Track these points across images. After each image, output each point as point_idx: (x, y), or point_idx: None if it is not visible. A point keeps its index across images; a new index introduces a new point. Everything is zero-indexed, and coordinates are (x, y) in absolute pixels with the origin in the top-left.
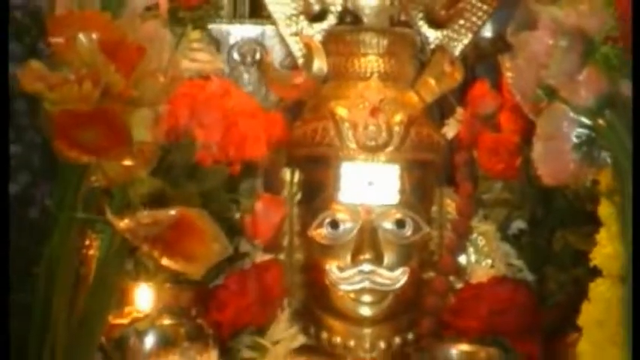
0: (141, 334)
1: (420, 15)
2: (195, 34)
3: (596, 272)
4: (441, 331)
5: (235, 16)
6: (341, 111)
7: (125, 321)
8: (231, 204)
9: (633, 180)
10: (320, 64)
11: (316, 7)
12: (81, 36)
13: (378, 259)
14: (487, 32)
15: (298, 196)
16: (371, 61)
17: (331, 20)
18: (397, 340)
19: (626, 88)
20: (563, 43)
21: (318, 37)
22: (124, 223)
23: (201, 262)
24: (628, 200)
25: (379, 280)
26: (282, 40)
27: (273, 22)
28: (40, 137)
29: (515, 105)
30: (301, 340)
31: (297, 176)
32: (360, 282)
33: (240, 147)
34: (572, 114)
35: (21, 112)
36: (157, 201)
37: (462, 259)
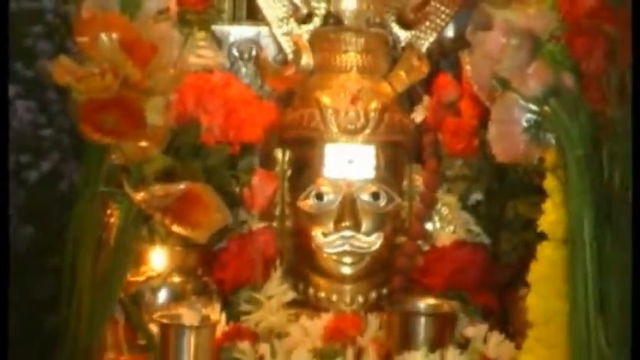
0: (154, 290)
1: (392, 18)
2: (200, 34)
3: (542, 236)
4: (410, 287)
5: (234, 19)
6: (325, 99)
7: (141, 279)
8: (231, 179)
9: (633, 180)
10: (307, 60)
11: (304, 11)
12: (103, 35)
13: (356, 226)
14: (449, 32)
15: (288, 172)
16: (350, 56)
17: (317, 22)
18: (373, 294)
19: (568, 79)
20: (514, 41)
21: (306, 37)
22: (139, 196)
23: (205, 228)
24: (570, 174)
25: (358, 244)
26: (275, 39)
27: (267, 24)
28: (68, 122)
29: (473, 94)
30: (291, 295)
31: (287, 155)
32: (341, 245)
33: (238, 130)
34: (521, 102)
35: (52, 100)
36: (168, 176)
37: (429, 226)
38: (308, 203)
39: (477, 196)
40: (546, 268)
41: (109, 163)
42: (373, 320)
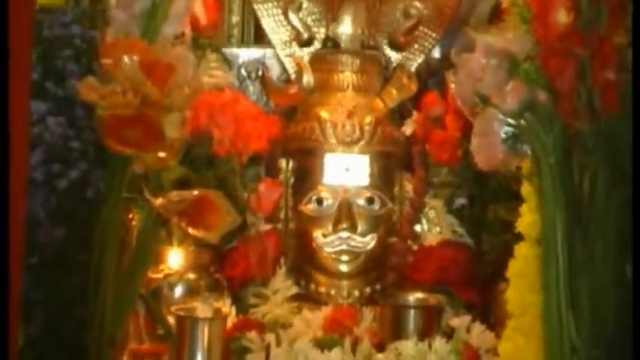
0: (172, 286)
1: (385, 41)
2: (212, 56)
3: (519, 237)
4: (401, 282)
5: (243, 42)
6: (324, 114)
7: (160, 276)
8: (240, 186)
9: (633, 179)
10: (308, 79)
11: (305, 35)
12: (125, 58)
13: (353, 228)
14: (436, 54)
15: (291, 180)
16: (347, 76)
17: (316, 45)
18: (368, 289)
19: (542, 96)
20: (493, 62)
21: (307, 58)
22: (158, 201)
23: (217, 230)
24: (544, 181)
25: (354, 243)
26: (279, 60)
27: (272, 47)
28: (94, 135)
29: (457, 109)
30: (294, 290)
31: (290, 164)
32: (339, 245)
33: (246, 142)
34: (500, 116)
35: (80, 116)
36: (183, 184)
37: (418, 228)
38: (309, 207)
39: (460, 201)
40: (523, 266)
41: (130, 172)
42: (368, 313)
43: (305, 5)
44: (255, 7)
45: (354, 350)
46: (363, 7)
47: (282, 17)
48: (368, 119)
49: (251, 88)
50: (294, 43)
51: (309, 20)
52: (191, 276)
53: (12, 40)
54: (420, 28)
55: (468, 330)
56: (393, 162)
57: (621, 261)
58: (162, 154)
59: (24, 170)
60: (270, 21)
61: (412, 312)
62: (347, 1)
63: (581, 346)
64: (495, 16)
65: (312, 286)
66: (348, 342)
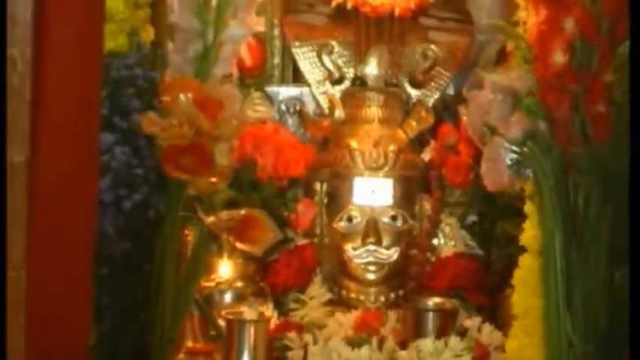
0: (222, 293)
1: (405, 79)
2: (256, 94)
3: (523, 249)
4: (421, 289)
5: (283, 81)
6: (353, 144)
7: (212, 284)
8: (281, 206)
9: (630, 181)
10: (339, 113)
11: (336, 75)
12: (181, 95)
13: (378, 242)
14: (450, 90)
15: (325, 200)
16: (373, 110)
17: (347, 83)
18: (392, 295)
19: (542, 126)
20: (499, 97)
21: (338, 95)
22: (210, 219)
23: (261, 244)
24: (544, 200)
25: (379, 255)
26: (314, 97)
27: (308, 85)
28: (155, 162)
29: (469, 138)
30: (328, 295)
31: (324, 187)
32: (367, 257)
33: (286, 168)
34: (506, 144)
35: (142, 146)
36: (232, 204)
37: (435, 241)
38: (341, 224)
39: (472, 218)
40: (526, 274)
41: (186, 195)
42: (392, 315)
43: (336, 49)
44: (294, 50)
45: (380, 348)
46: (387, 51)
47: (316, 59)
48: (391, 147)
49: (290, 121)
50: (327, 82)
51: (339, 62)
52: (239, 284)
53: (85, 80)
54: (436, 68)
55: (479, 330)
56: (413, 184)
57: (611, 268)
58: (213, 179)
59: (94, 193)
60: (306, 63)
61: (430, 314)
62: (373, 46)
63: (577, 342)
64: (501, 58)
65: (344, 293)
66: (375, 341)
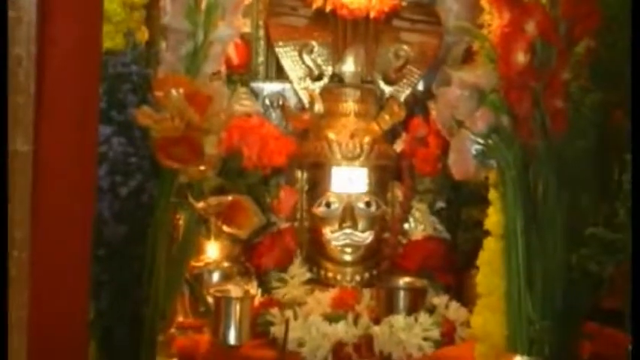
0: (210, 272)
1: (379, 76)
2: (242, 89)
3: (487, 233)
4: (393, 269)
5: (267, 78)
6: (331, 135)
7: (201, 264)
8: (265, 192)
9: (632, 176)
10: (319, 107)
11: (316, 72)
12: (173, 91)
13: (354, 226)
14: (420, 87)
15: (306, 188)
16: (349, 105)
17: (325, 80)
18: (366, 275)
19: (505, 120)
20: (466, 93)
21: (318, 91)
22: (199, 205)
23: (246, 228)
24: (506, 188)
25: (355, 238)
26: (296, 92)
27: (290, 82)
28: (148, 152)
29: (437, 131)
30: (308, 275)
31: (304, 175)
32: (343, 240)
33: (269, 158)
34: (472, 136)
35: (137, 137)
36: (220, 191)
37: (406, 226)
38: (320, 210)
39: (440, 204)
40: (490, 256)
41: (178, 182)
42: (367, 293)
43: (316, 49)
44: (277, 50)
45: (355, 323)
46: (363, 50)
47: (298, 58)
48: (366, 139)
49: (273, 115)
50: (307, 79)
51: (319, 60)
52: (226, 264)
53: (84, 76)
54: (408, 66)
55: (447, 307)
56: (386, 173)
57: (568, 250)
58: (202, 168)
59: (93, 180)
60: (289, 61)
61: (402, 293)
62: (349, 46)
63: (536, 318)
64: (467, 57)
65: (322, 272)
66: (350, 317)
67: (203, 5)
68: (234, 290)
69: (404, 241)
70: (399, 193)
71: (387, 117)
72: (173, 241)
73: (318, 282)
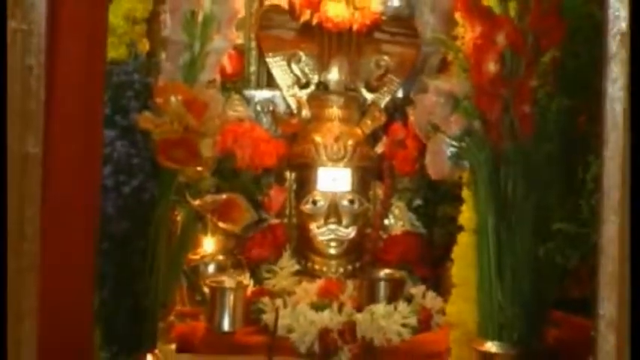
0: (206, 264)
1: (362, 84)
2: (236, 96)
3: (461, 228)
4: (374, 262)
5: (258, 86)
6: (317, 138)
7: (198, 257)
8: (257, 191)
9: (631, 178)
10: (306, 113)
11: (304, 81)
12: (172, 97)
13: (339, 222)
14: (400, 94)
15: (294, 187)
16: (334, 111)
17: (312, 88)
18: (350, 267)
19: (477, 125)
20: (441, 100)
21: (305, 97)
22: (196, 202)
23: (239, 224)
24: (478, 187)
25: (340, 233)
26: (285, 99)
27: (280, 89)
28: (149, 154)
29: (415, 134)
30: (296, 267)
31: (293, 175)
32: (328, 235)
33: (261, 159)
34: (447, 139)
35: (139, 140)
36: (215, 190)
37: (386, 222)
38: (307, 207)
39: (418, 202)
40: (463, 249)
41: (176, 181)
42: (350, 284)
43: (303, 59)
44: (267, 60)
45: (340, 311)
46: (346, 60)
47: (286, 67)
48: (350, 142)
49: (264, 120)
50: (295, 87)
51: (306, 69)
52: (220, 257)
53: (90, 84)
54: (388, 75)
55: (423, 296)
56: (368, 173)
57: (535, 244)
58: (199, 168)
59: (98, 179)
60: (278, 70)
61: (382, 283)
62: (334, 56)
63: (506, 306)
64: (443, 67)
65: (309, 264)
66: (335, 305)
67: (199, 19)
68: (228, 281)
69: (384, 236)
70: (379, 191)
71: (368, 122)
72: (172, 235)
73: (306, 273)
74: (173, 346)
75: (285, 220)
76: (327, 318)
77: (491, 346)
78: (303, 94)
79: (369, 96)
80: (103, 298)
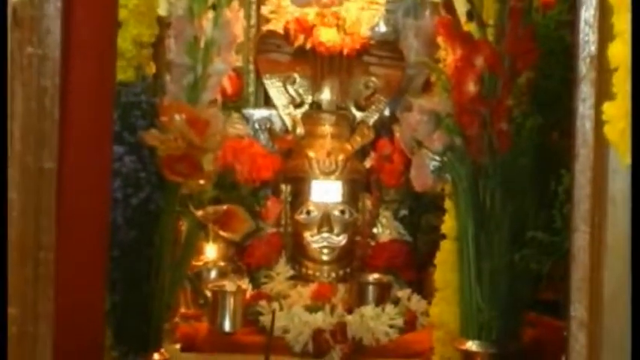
0: (209, 270)
1: (352, 103)
2: (235, 115)
3: (443, 236)
4: (363, 267)
5: (256, 105)
6: (311, 154)
7: (200, 263)
8: (255, 202)
9: (632, 179)
10: (300, 130)
11: (298, 100)
12: (176, 116)
13: (331, 231)
14: (386, 112)
15: (289, 198)
16: (326, 128)
17: (306, 107)
18: (341, 272)
19: (457, 141)
20: (425, 118)
21: (299, 116)
22: (199, 213)
23: (239, 232)
24: (459, 199)
25: (331, 241)
26: (281, 117)
27: (276, 108)
28: (155, 168)
29: (401, 150)
30: (291, 272)
31: (288, 188)
32: (321, 242)
33: (258, 173)
34: (430, 154)
35: (146, 155)
36: (216, 201)
37: (374, 230)
38: (301, 217)
39: (403, 212)
40: (446, 256)
41: (180, 193)
42: (341, 288)
43: (298, 80)
44: (265, 81)
45: (332, 313)
46: (338, 81)
47: (282, 88)
48: (341, 157)
49: (261, 137)
50: (290, 106)
51: (300, 90)
52: (221, 263)
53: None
54: (376, 95)
55: (409, 299)
56: (357, 186)
57: (512, 251)
58: (201, 181)
59: (108, 192)
60: (275, 91)
61: (371, 287)
62: (326, 77)
63: (485, 308)
64: (426, 87)
65: (304, 270)
66: (327, 307)
67: (202, 44)
68: (229, 285)
69: (372, 243)
70: (368, 202)
71: (358, 138)
72: (177, 243)
73: (300, 278)
74: (178, 346)
75: (281, 229)
76: (320, 319)
77: (471, 345)
78: (298, 112)
79: (358, 114)
80: (114, 301)
